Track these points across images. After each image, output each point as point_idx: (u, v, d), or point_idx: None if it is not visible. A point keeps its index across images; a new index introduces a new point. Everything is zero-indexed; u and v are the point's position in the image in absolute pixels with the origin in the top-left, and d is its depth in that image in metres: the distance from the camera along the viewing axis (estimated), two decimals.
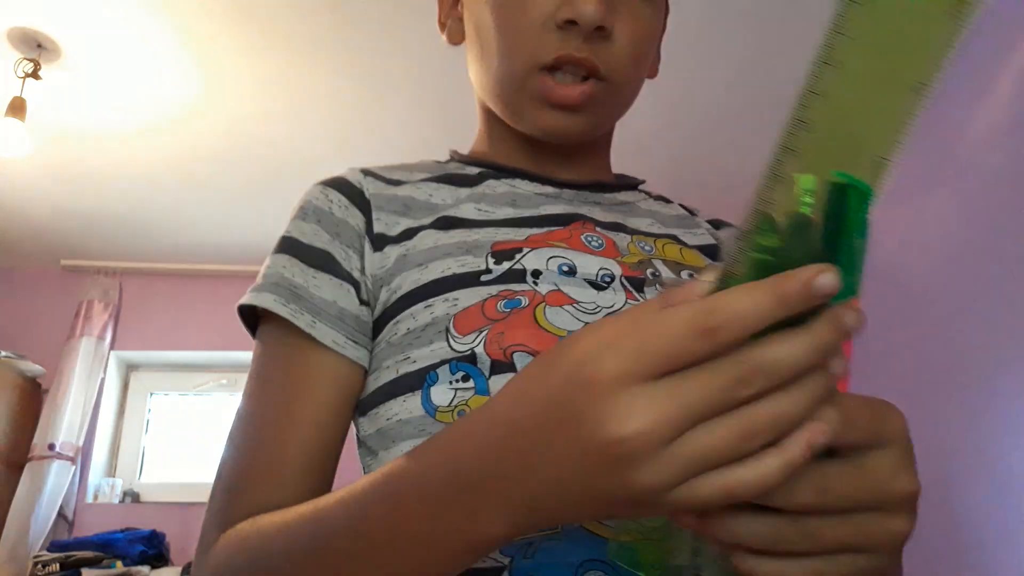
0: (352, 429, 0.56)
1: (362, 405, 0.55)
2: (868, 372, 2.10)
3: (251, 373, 0.56)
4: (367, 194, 0.60)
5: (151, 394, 3.03)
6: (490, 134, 0.66)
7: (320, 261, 0.56)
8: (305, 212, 0.61)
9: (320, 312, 0.54)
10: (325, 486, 0.51)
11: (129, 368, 3.05)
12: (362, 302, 0.55)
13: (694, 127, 2.26)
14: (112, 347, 2.90)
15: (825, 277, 0.28)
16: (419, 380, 0.50)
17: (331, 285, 0.55)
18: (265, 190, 2.59)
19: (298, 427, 0.51)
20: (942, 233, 1.93)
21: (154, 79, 2.10)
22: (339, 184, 0.62)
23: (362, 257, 0.57)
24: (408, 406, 0.50)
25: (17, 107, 2.02)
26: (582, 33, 0.55)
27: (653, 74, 0.68)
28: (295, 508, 0.44)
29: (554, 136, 0.60)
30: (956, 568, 1.72)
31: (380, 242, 0.57)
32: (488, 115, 0.66)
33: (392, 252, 0.56)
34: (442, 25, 0.69)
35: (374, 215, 0.58)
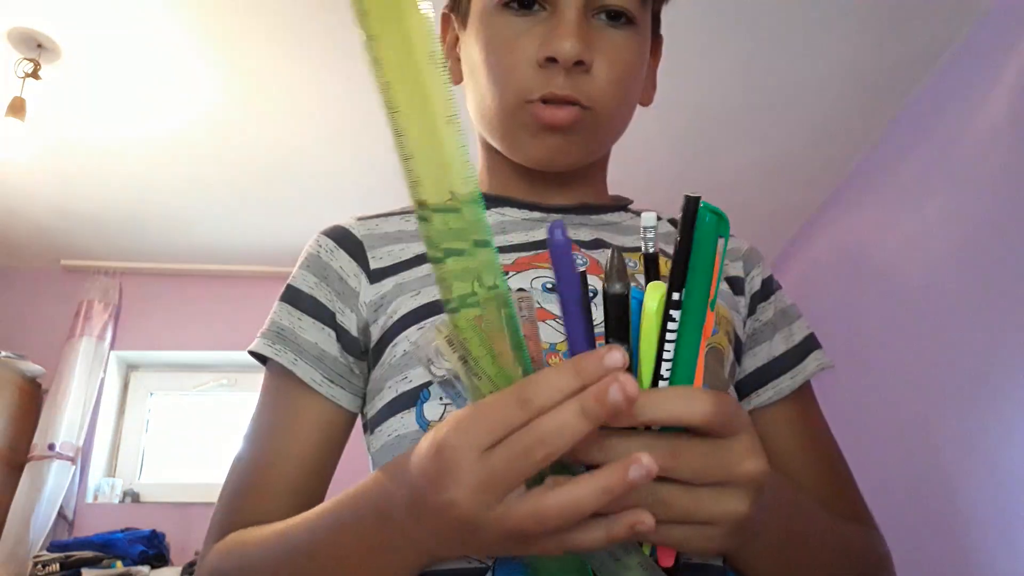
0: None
1: (369, 424, 0.61)
2: (868, 372, 2.10)
3: (256, 405, 0.64)
4: (358, 236, 0.66)
5: (151, 394, 3.03)
6: (489, 167, 0.71)
7: (306, 305, 0.63)
8: (303, 260, 0.66)
9: (302, 352, 0.60)
10: (310, 504, 0.56)
11: (129, 368, 3.05)
12: (344, 345, 0.61)
13: (694, 127, 2.26)
14: (112, 347, 2.90)
15: (612, 356, 0.32)
16: (413, 398, 0.56)
17: (314, 329, 0.61)
18: (265, 190, 2.59)
19: (282, 454, 0.59)
20: (942, 233, 1.93)
21: (154, 79, 2.10)
22: (331, 231, 0.67)
23: (355, 296, 0.62)
24: (405, 422, 0.56)
25: (17, 107, 2.02)
26: (562, 70, 0.59)
27: (646, 102, 0.72)
28: (274, 524, 0.52)
29: (547, 164, 0.64)
30: (956, 568, 1.72)
31: (378, 275, 0.63)
32: (486, 148, 0.70)
33: (389, 281, 0.62)
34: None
35: (369, 254, 0.64)
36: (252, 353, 0.63)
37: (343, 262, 0.64)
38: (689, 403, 0.36)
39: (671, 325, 0.37)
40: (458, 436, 0.35)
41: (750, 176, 2.49)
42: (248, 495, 0.59)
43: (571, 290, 0.36)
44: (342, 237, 0.66)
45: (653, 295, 0.38)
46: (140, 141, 2.34)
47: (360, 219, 0.68)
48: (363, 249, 0.64)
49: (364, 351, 0.62)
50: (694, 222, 0.36)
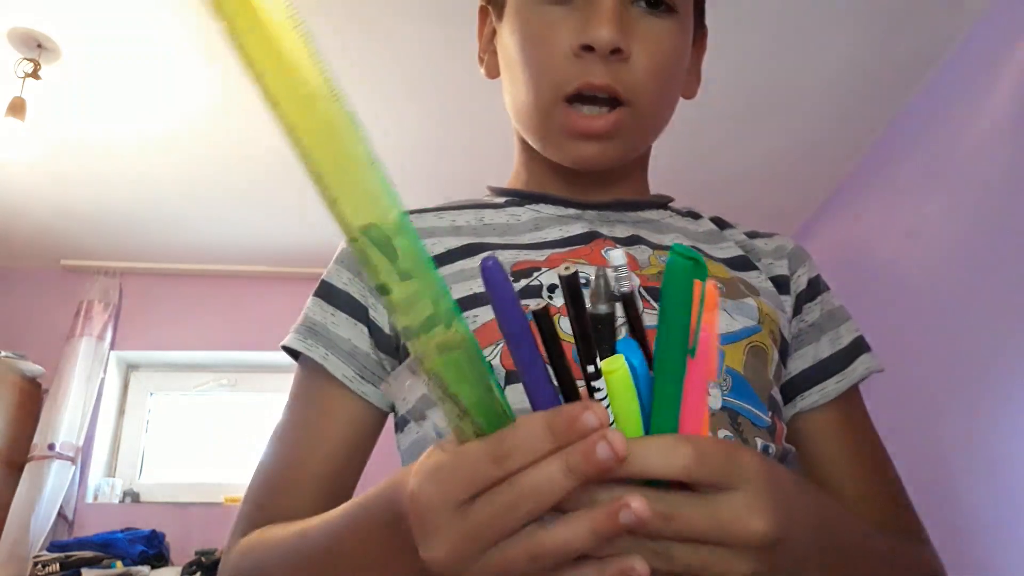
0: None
1: (399, 423, 0.60)
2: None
3: (287, 398, 0.64)
4: None
5: (151, 394, 3.03)
6: (526, 163, 0.69)
7: (340, 300, 0.62)
8: (338, 255, 0.66)
9: (334, 347, 0.59)
10: (338, 502, 0.56)
11: (129, 368, 3.05)
12: (377, 342, 0.60)
13: (694, 127, 2.26)
14: (112, 347, 2.90)
15: (589, 415, 0.31)
16: None
17: (347, 324, 0.61)
18: (265, 191, 2.59)
19: (312, 450, 0.58)
20: (942, 233, 1.93)
21: (154, 79, 2.10)
22: None
23: None
24: (433, 421, 0.54)
25: (17, 107, 2.02)
26: (599, 58, 0.57)
27: (689, 95, 0.70)
28: (293, 524, 0.51)
29: (585, 166, 0.63)
30: (956, 567, 1.72)
31: None
32: (523, 144, 0.68)
33: None
34: (481, 60, 0.72)
35: None
36: (285, 348, 0.62)
37: None
38: (666, 455, 0.33)
39: (597, 395, 0.34)
40: (433, 488, 0.33)
41: (750, 176, 2.48)
42: (276, 491, 0.58)
43: (516, 329, 0.33)
44: None
45: (614, 361, 0.35)
46: (140, 141, 2.34)
47: None
48: None
49: (396, 348, 0.61)
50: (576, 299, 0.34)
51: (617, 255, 0.37)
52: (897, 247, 2.13)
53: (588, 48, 0.57)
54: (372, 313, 0.61)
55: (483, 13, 0.71)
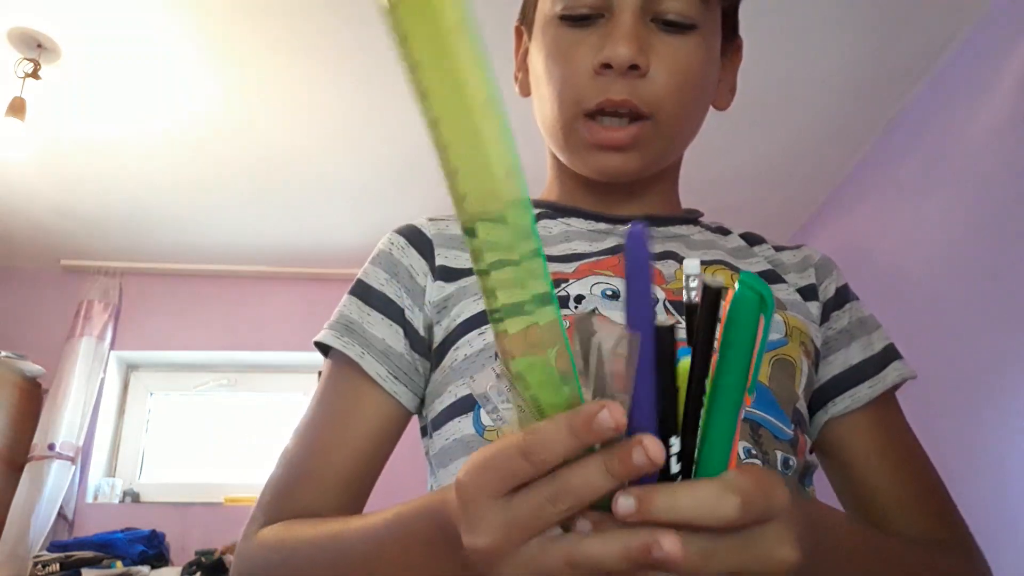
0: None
1: (429, 427, 0.61)
2: None
3: (315, 393, 0.64)
4: (428, 235, 0.66)
5: (151, 394, 3.03)
6: (558, 176, 0.71)
7: (376, 301, 0.63)
8: (374, 256, 0.66)
9: (369, 346, 0.61)
10: (360, 499, 0.56)
11: (129, 368, 3.05)
12: (412, 343, 0.61)
13: None
14: (112, 347, 2.90)
15: (604, 415, 0.31)
16: (472, 403, 0.56)
17: (383, 324, 0.62)
18: (265, 191, 2.59)
19: (340, 447, 0.59)
20: (942, 233, 1.93)
21: (153, 79, 2.10)
22: (403, 229, 0.67)
23: (421, 293, 0.62)
24: (461, 427, 0.56)
25: (17, 107, 2.02)
26: (618, 75, 0.59)
27: (722, 105, 0.72)
28: (324, 524, 0.51)
29: (608, 176, 0.64)
30: None
31: (443, 274, 0.63)
32: (555, 158, 0.70)
33: (454, 284, 0.62)
34: (516, 79, 0.74)
35: (436, 252, 0.64)
36: (318, 344, 0.63)
37: (413, 260, 0.64)
38: (714, 505, 0.33)
39: (674, 468, 0.35)
40: (476, 477, 0.35)
41: (750, 176, 2.48)
42: (299, 483, 0.58)
43: (642, 315, 0.33)
44: (413, 235, 0.66)
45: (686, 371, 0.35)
46: (140, 141, 2.34)
47: (431, 219, 0.68)
48: (432, 248, 0.65)
49: (429, 348, 0.62)
50: (715, 312, 0.34)
51: (692, 264, 0.37)
52: (897, 247, 2.13)
53: (607, 66, 0.59)
54: (408, 314, 0.62)
55: (518, 33, 0.73)
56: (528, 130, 0.67)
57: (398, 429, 0.62)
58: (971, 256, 1.81)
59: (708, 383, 0.35)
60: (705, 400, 0.35)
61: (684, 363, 0.36)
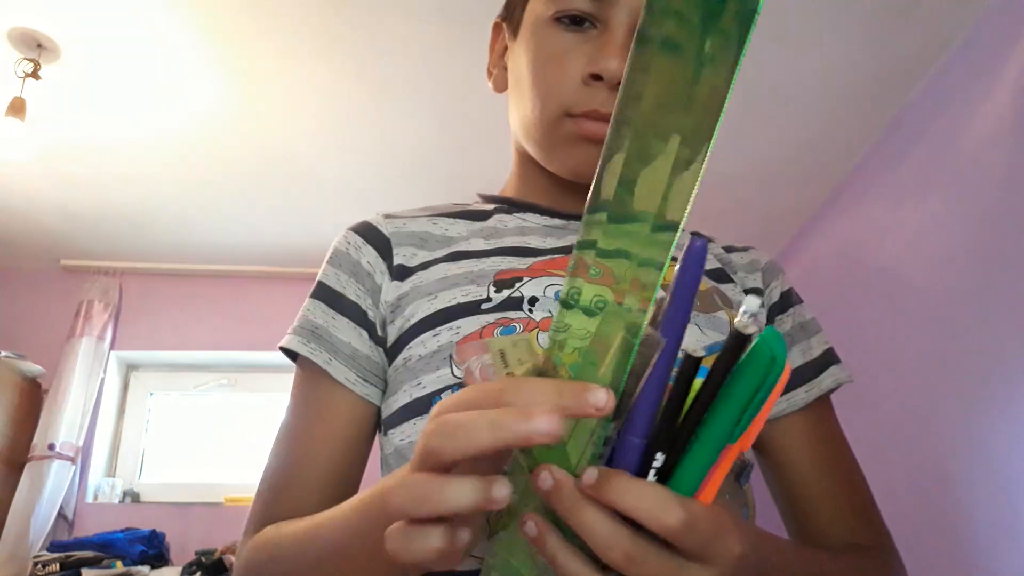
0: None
1: (383, 425, 0.61)
2: (869, 372, 2.10)
3: (289, 399, 0.65)
4: (386, 233, 0.66)
5: (151, 394, 3.03)
6: (521, 175, 0.71)
7: (340, 304, 0.63)
8: (331, 256, 0.66)
9: (336, 351, 0.61)
10: (345, 497, 0.57)
11: (129, 368, 3.05)
12: (375, 342, 0.62)
13: None
14: (112, 347, 2.90)
15: (599, 392, 0.32)
16: (427, 404, 0.56)
17: (348, 328, 0.62)
18: (265, 191, 2.59)
19: (317, 450, 0.60)
20: (942, 233, 1.93)
21: (154, 79, 2.10)
22: (359, 227, 0.67)
23: (378, 292, 0.62)
24: (418, 428, 0.56)
25: (17, 107, 2.02)
26: (607, 87, 0.59)
27: None
28: (307, 520, 0.52)
29: (582, 175, 0.64)
30: (956, 568, 1.72)
31: (399, 273, 0.63)
32: (521, 157, 0.71)
33: (408, 282, 0.62)
34: (490, 73, 0.73)
35: (395, 250, 0.64)
36: (283, 349, 0.63)
37: (370, 258, 0.64)
38: (658, 508, 0.34)
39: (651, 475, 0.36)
40: (447, 401, 0.35)
41: (750, 176, 2.48)
42: (284, 490, 0.59)
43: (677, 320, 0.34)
44: (370, 233, 0.66)
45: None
46: (140, 141, 2.34)
47: (387, 216, 0.68)
48: (390, 247, 0.65)
49: (385, 340, 0.62)
50: (736, 355, 0.34)
51: (753, 302, 0.36)
52: (897, 247, 2.13)
53: (597, 77, 0.59)
54: (371, 315, 0.62)
55: (497, 29, 0.72)
56: (495, 128, 0.66)
57: (372, 427, 0.63)
58: (971, 256, 1.81)
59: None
60: (697, 431, 0.36)
61: (695, 384, 0.36)
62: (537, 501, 0.37)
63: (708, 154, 0.31)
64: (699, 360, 0.35)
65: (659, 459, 0.36)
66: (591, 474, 0.34)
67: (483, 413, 0.32)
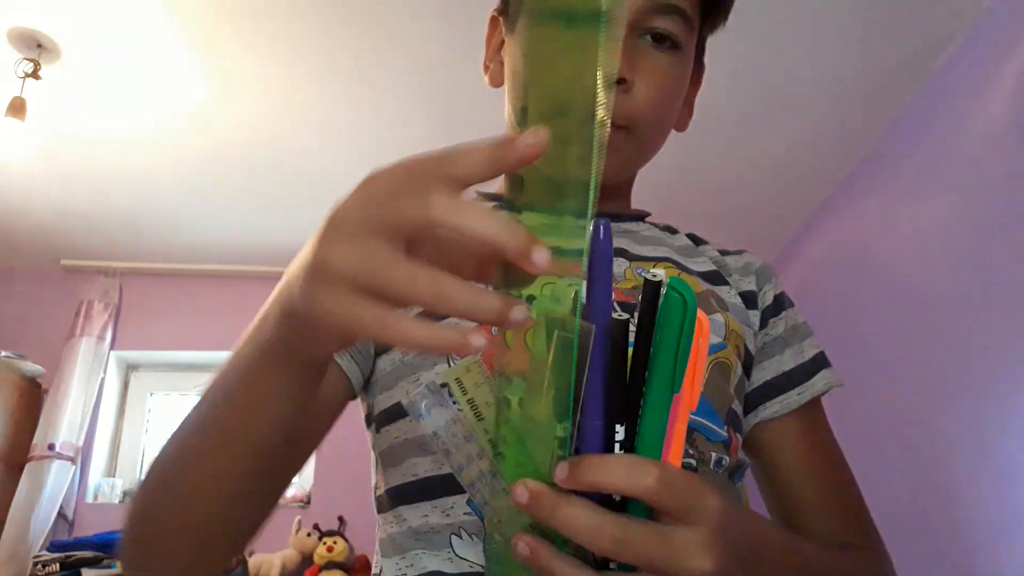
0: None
1: (376, 420, 0.60)
2: (869, 373, 2.10)
3: None
4: None
5: (151, 394, 3.03)
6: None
7: None
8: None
9: None
10: (297, 456, 0.54)
11: (129, 368, 3.05)
12: None
13: (694, 127, 2.26)
14: (112, 347, 2.90)
15: (528, 135, 0.30)
16: None
17: None
18: (265, 191, 2.59)
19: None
20: (942, 233, 1.93)
21: (154, 79, 2.10)
22: None
23: None
24: (414, 425, 0.55)
25: (17, 107, 2.02)
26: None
27: (681, 127, 0.74)
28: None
29: None
30: (956, 568, 1.72)
31: None
32: None
33: None
34: (486, 68, 0.73)
35: None
36: None
37: None
38: (632, 473, 0.34)
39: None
40: (377, 174, 0.33)
41: (750, 176, 2.48)
42: None
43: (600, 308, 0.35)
44: None
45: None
46: (140, 141, 2.34)
47: None
48: None
49: None
50: (655, 306, 0.36)
51: (661, 273, 0.39)
52: (897, 247, 2.13)
53: None
54: None
55: (493, 23, 0.72)
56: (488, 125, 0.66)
57: (340, 401, 0.59)
58: (971, 256, 1.81)
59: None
60: (645, 393, 0.37)
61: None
62: (520, 524, 0.38)
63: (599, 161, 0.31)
64: (626, 323, 0.36)
65: (620, 432, 0.37)
66: (562, 468, 0.34)
67: (424, 285, 0.31)
